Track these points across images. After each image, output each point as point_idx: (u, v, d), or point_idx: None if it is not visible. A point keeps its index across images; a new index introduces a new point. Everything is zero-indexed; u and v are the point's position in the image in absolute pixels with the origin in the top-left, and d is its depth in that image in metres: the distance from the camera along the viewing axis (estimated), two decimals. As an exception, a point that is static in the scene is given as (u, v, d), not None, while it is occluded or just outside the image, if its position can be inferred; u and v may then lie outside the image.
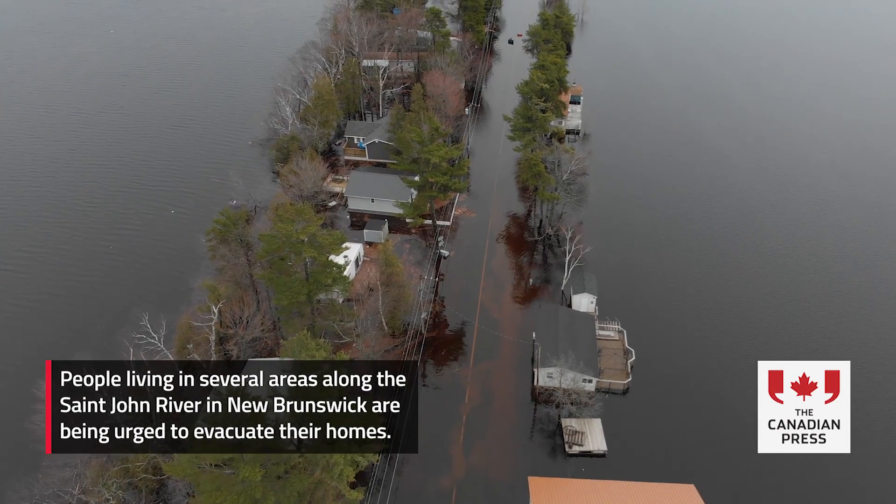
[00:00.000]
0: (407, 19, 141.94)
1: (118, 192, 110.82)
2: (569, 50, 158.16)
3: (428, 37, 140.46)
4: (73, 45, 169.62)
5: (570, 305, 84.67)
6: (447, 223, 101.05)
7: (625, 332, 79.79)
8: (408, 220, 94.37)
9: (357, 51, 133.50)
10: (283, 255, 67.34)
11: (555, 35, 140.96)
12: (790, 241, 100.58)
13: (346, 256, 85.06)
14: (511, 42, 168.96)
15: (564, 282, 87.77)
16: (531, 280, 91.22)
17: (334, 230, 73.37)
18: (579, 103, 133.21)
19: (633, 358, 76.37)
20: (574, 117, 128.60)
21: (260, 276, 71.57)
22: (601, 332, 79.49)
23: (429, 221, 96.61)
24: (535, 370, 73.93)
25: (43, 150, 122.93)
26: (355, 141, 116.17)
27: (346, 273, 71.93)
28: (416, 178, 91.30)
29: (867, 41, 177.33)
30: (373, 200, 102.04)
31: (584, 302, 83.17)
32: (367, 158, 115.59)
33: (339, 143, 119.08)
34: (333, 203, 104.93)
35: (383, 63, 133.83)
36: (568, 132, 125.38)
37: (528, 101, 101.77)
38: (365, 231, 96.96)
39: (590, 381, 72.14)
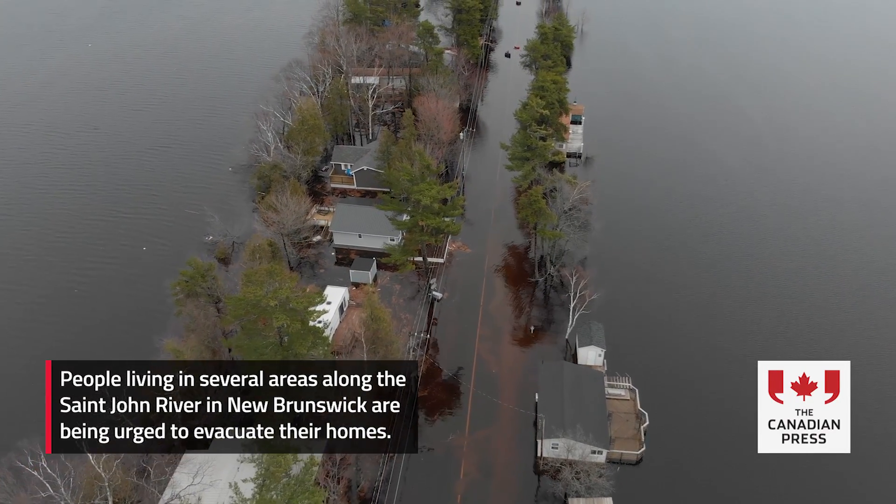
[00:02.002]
0: (398, 34, 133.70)
1: (89, 221, 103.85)
2: (568, 64, 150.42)
3: (420, 52, 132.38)
4: (50, 59, 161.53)
5: (575, 357, 77.20)
6: (440, 260, 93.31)
7: (637, 391, 72.16)
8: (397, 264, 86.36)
9: (345, 68, 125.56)
10: (252, 320, 59.61)
11: (554, 50, 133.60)
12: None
13: (328, 304, 77.59)
14: (508, 55, 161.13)
15: (569, 331, 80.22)
16: (532, 327, 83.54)
17: (311, 292, 65.22)
18: (581, 123, 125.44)
19: (647, 423, 68.82)
20: (575, 139, 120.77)
21: (227, 343, 63.78)
22: (611, 391, 71.86)
23: (420, 259, 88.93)
24: (539, 441, 66.35)
25: (16, 172, 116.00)
26: (342, 168, 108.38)
27: (327, 331, 64.45)
28: (405, 219, 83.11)
29: (873, 43, 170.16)
30: (360, 236, 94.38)
31: (590, 355, 75.60)
32: (354, 186, 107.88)
33: (326, 170, 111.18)
34: (318, 238, 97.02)
35: (373, 80, 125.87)
36: (569, 155, 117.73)
37: (527, 128, 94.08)
38: (351, 271, 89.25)
39: (600, 453, 64.70)
